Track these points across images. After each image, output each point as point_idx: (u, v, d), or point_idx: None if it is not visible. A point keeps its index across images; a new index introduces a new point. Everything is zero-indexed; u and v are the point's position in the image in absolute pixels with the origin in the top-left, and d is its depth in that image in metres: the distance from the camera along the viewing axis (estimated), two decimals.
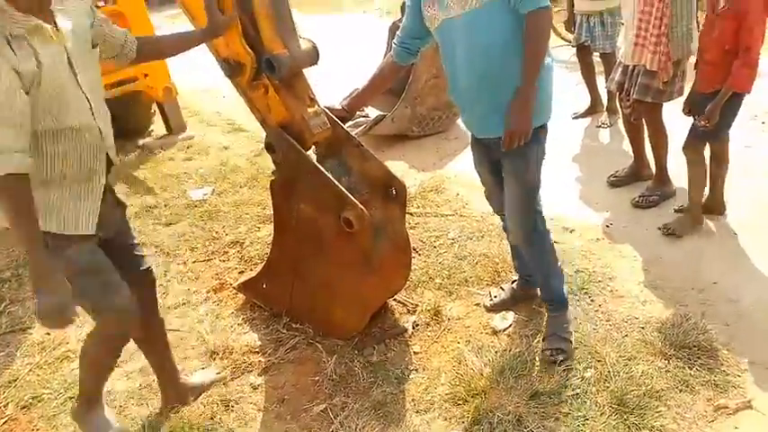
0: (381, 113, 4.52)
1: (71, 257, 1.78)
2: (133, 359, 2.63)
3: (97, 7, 5.03)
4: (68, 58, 1.69)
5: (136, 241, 2.12)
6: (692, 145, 2.83)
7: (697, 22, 2.95)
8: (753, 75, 2.56)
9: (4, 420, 2.40)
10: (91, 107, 1.75)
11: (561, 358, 2.25)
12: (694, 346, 2.22)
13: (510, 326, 2.51)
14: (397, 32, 2.31)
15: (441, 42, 2.14)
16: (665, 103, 3.10)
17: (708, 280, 2.63)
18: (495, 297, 2.65)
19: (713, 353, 2.20)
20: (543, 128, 2.14)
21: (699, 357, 2.19)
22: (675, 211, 3.12)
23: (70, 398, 2.42)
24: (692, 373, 2.13)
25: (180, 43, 2.11)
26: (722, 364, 2.17)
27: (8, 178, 1.55)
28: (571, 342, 2.31)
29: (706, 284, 2.60)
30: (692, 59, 2.91)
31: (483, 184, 2.48)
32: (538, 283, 2.50)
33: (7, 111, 1.54)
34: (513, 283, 2.65)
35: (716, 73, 2.61)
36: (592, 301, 2.59)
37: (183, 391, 2.32)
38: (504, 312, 2.57)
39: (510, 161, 2.16)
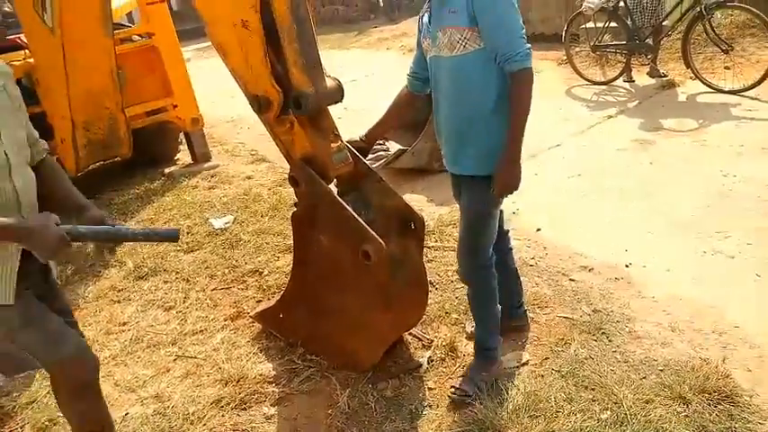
0: (402, 147, 4.59)
1: (2, 319, 1.69)
2: (146, 385, 2.67)
3: (131, 41, 5.28)
4: None
5: (66, 308, 1.98)
6: None
7: None
8: None
9: None
10: (9, 165, 1.64)
11: (463, 399, 2.29)
12: (714, 392, 2.17)
13: (524, 365, 2.49)
14: (410, 62, 2.41)
15: (430, 73, 2.24)
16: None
17: (729, 323, 2.58)
18: None
19: (734, 399, 2.15)
20: None
21: (719, 403, 2.14)
22: None
23: None
24: (712, 419, 2.08)
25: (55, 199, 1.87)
26: (744, 411, 2.11)
27: None
28: (479, 391, 2.31)
29: (727, 328, 2.55)
30: None
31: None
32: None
33: None
34: None
35: None
36: (609, 341, 2.55)
37: None
38: (517, 352, 2.55)
39: (466, 196, 2.27)
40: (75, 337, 1.87)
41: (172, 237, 1.77)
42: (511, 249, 2.63)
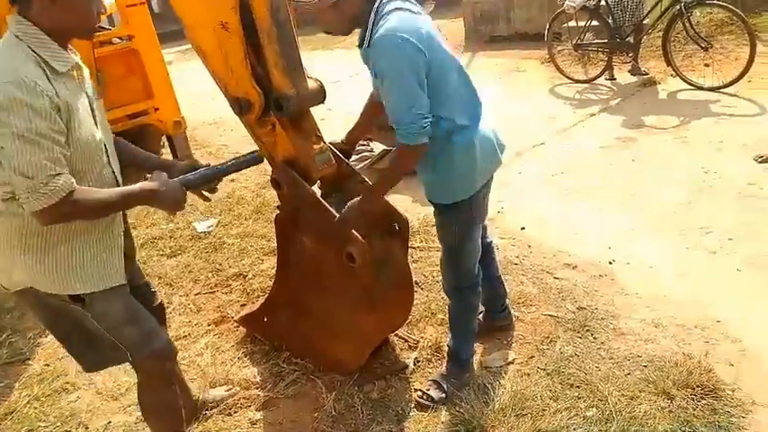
0: (386, 148, 4.58)
1: (108, 313, 1.74)
2: (130, 392, 2.63)
3: (111, 44, 5.19)
4: (90, 103, 1.65)
5: (145, 279, 2.09)
6: None
7: None
8: None
9: None
10: (107, 152, 1.72)
11: (427, 405, 2.30)
12: (698, 386, 2.19)
13: (509, 363, 2.50)
14: None
15: None
16: None
17: (711, 318, 2.61)
18: None
19: (717, 393, 2.17)
20: (458, 205, 2.13)
21: (702, 398, 2.16)
22: None
23: (66, 431, 2.41)
24: (696, 413, 2.10)
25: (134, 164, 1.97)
26: (726, 405, 2.14)
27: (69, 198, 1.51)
28: (445, 398, 2.32)
29: (710, 323, 2.58)
30: None
31: None
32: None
33: (50, 130, 1.46)
34: (479, 314, 2.63)
35: None
36: (594, 338, 2.57)
37: (193, 408, 2.35)
38: (503, 351, 2.56)
39: (437, 221, 2.26)
40: (163, 331, 1.98)
41: (257, 160, 2.09)
42: (494, 259, 2.61)
